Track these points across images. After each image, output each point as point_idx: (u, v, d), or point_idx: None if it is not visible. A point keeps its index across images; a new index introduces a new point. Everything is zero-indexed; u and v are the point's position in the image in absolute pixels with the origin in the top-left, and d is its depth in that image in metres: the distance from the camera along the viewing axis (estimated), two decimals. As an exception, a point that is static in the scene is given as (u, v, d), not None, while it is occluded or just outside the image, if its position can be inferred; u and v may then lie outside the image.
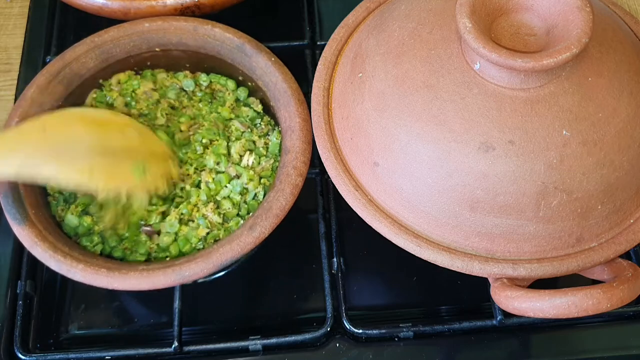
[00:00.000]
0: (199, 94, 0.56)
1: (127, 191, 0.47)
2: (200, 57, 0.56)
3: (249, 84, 0.56)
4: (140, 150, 0.49)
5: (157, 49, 0.56)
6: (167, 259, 0.49)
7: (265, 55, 0.54)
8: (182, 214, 0.50)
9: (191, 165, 0.52)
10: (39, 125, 0.46)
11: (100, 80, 0.56)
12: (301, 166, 0.49)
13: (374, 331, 0.50)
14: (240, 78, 0.56)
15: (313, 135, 0.50)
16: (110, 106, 0.55)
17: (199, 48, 0.55)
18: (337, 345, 0.50)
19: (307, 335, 0.50)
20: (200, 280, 0.46)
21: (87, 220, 0.50)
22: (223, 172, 0.52)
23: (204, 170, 0.52)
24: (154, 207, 0.50)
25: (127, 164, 0.47)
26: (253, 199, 0.51)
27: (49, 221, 0.49)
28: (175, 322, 0.50)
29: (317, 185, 0.55)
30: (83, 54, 0.54)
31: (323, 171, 0.51)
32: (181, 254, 0.49)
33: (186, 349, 0.49)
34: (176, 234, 0.50)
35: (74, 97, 0.54)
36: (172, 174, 0.51)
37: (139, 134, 0.50)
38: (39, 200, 0.49)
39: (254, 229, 0.47)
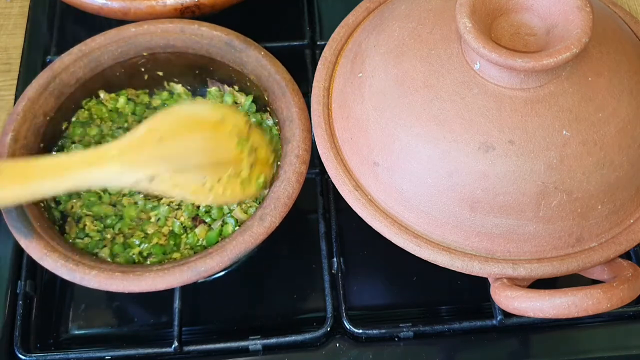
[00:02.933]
0: None
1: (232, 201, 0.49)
2: (189, 57, 0.56)
3: (242, 81, 0.56)
4: (242, 160, 0.49)
5: (145, 53, 0.56)
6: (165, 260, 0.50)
7: (254, 49, 0.54)
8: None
9: None
10: (154, 133, 0.46)
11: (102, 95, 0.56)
12: (304, 154, 0.49)
13: (374, 331, 0.50)
14: (233, 75, 0.56)
15: (313, 137, 0.50)
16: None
17: (188, 48, 0.55)
18: (337, 345, 0.50)
19: (307, 335, 0.50)
20: (200, 280, 0.46)
21: (96, 235, 0.51)
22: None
23: None
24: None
25: (233, 179, 0.48)
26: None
27: (54, 231, 0.49)
28: (175, 322, 0.50)
29: (317, 185, 0.55)
30: (71, 63, 0.54)
31: (323, 171, 0.51)
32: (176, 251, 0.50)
33: (186, 349, 0.49)
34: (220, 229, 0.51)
35: (65, 108, 0.54)
36: (268, 176, 0.50)
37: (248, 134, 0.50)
38: (42, 213, 0.49)
39: (264, 220, 0.47)
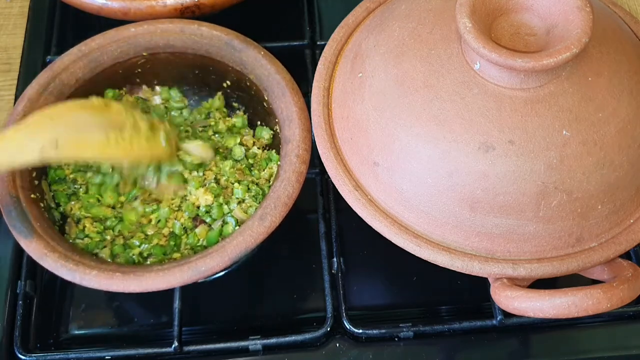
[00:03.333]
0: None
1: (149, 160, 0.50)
2: (189, 57, 0.56)
3: (242, 81, 0.56)
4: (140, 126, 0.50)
5: (144, 54, 0.56)
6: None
7: (254, 48, 0.54)
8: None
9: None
10: (45, 115, 0.47)
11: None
12: (304, 154, 0.49)
13: (374, 331, 0.50)
14: (232, 75, 0.56)
15: (313, 137, 0.50)
16: None
17: (187, 49, 0.55)
18: (337, 345, 0.50)
19: (307, 335, 0.50)
20: (200, 280, 0.46)
21: (96, 236, 0.51)
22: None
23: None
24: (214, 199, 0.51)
25: (136, 133, 0.49)
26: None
27: (54, 231, 0.49)
28: (175, 322, 0.50)
29: (317, 185, 0.55)
30: (71, 63, 0.54)
31: (323, 171, 0.51)
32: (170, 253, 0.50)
33: (186, 349, 0.49)
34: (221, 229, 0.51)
35: None
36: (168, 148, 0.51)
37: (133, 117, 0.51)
38: (42, 213, 0.49)
39: (264, 219, 0.47)
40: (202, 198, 0.51)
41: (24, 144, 0.45)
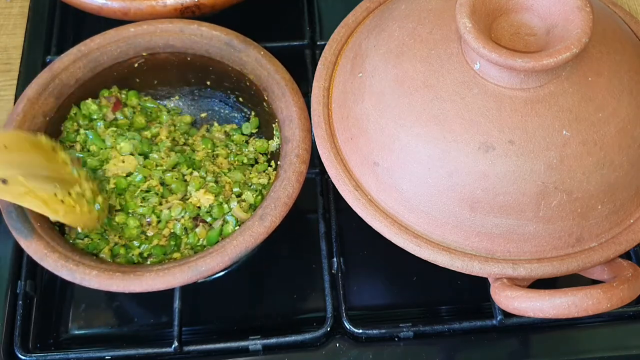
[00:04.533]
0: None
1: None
2: (188, 58, 0.56)
3: (242, 81, 0.56)
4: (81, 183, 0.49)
5: (144, 54, 0.56)
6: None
7: (254, 48, 0.54)
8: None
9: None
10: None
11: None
12: (303, 154, 0.49)
13: (374, 331, 0.50)
14: (232, 75, 0.56)
15: (313, 137, 0.50)
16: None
17: (187, 49, 0.55)
18: (337, 345, 0.50)
19: (307, 335, 0.50)
20: (200, 280, 0.46)
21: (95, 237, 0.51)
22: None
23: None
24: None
25: (80, 196, 0.48)
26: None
27: (55, 232, 0.49)
28: (175, 322, 0.50)
29: (317, 185, 0.55)
30: (71, 64, 0.54)
31: (323, 171, 0.51)
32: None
33: (186, 349, 0.49)
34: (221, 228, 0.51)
35: (65, 108, 0.54)
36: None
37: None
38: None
39: (264, 219, 0.47)
40: (203, 198, 0.51)
41: None
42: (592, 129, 0.42)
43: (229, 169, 0.53)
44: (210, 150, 0.54)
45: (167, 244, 0.50)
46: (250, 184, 0.52)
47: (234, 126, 0.57)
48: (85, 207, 0.48)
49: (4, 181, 0.44)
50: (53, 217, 0.47)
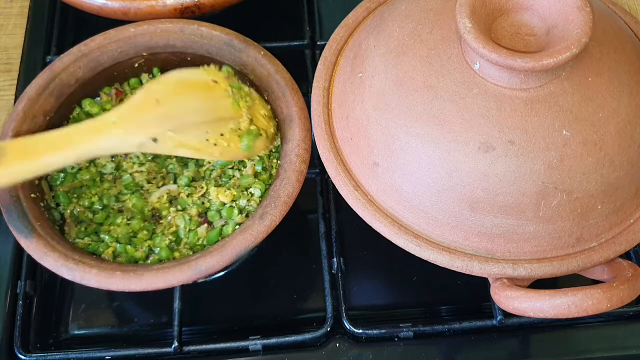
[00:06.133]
0: None
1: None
2: (188, 57, 0.56)
3: (242, 81, 0.56)
4: (241, 115, 0.50)
5: (144, 54, 0.55)
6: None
7: (254, 48, 0.54)
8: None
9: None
10: (150, 96, 0.47)
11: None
12: (303, 153, 0.49)
13: (374, 331, 0.50)
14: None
15: (313, 137, 0.50)
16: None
17: (187, 48, 0.55)
18: (337, 345, 0.50)
19: (307, 335, 0.50)
20: (200, 280, 0.46)
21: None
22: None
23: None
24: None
25: (234, 133, 0.49)
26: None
27: (54, 231, 0.49)
28: (175, 322, 0.50)
29: (317, 185, 0.55)
30: (71, 63, 0.54)
31: (323, 171, 0.51)
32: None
33: (186, 349, 0.49)
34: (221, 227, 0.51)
35: (65, 108, 0.54)
36: (269, 134, 0.52)
37: (240, 97, 0.51)
38: (42, 212, 0.49)
39: (264, 218, 0.47)
40: (222, 196, 0.51)
41: (124, 137, 0.46)
42: (592, 129, 0.42)
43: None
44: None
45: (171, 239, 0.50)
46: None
47: None
48: (239, 144, 0.49)
49: (155, 140, 0.46)
50: (212, 159, 0.50)
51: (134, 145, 0.46)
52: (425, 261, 0.45)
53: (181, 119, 0.48)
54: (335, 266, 0.52)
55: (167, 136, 0.47)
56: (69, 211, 0.51)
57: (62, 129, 0.48)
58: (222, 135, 0.49)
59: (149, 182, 0.52)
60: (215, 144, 0.48)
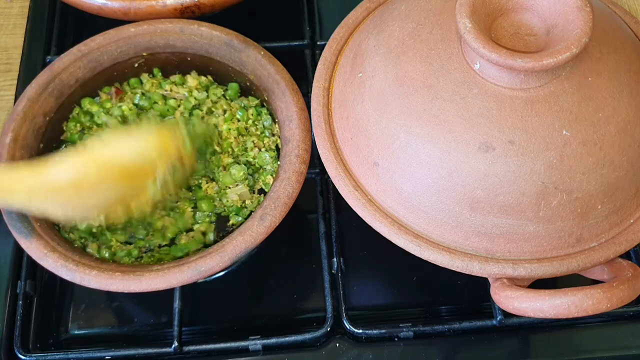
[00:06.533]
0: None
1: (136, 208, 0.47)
2: (188, 58, 0.56)
3: (242, 81, 0.56)
4: (159, 166, 0.46)
5: (144, 54, 0.56)
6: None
7: (254, 48, 0.54)
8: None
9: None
10: (75, 177, 0.43)
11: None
12: (303, 154, 0.49)
13: (374, 331, 0.50)
14: (232, 75, 0.56)
15: (313, 137, 0.50)
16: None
17: (187, 49, 0.55)
18: (337, 345, 0.50)
19: (307, 335, 0.50)
20: (200, 280, 0.46)
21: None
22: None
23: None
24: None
25: (143, 190, 0.46)
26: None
27: (54, 231, 0.49)
28: (175, 322, 0.50)
29: (317, 185, 0.55)
30: (71, 63, 0.54)
31: (323, 171, 0.51)
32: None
33: (186, 349, 0.49)
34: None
35: (65, 108, 0.54)
36: (188, 171, 0.49)
37: (160, 148, 0.47)
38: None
39: (264, 219, 0.47)
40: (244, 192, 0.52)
41: (28, 202, 0.43)
42: (592, 129, 0.42)
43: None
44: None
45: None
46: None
47: None
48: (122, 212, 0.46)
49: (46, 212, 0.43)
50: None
51: (22, 202, 0.43)
52: (425, 261, 0.45)
53: (85, 204, 0.44)
54: (335, 266, 0.52)
55: (62, 213, 0.44)
56: None
57: None
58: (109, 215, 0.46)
59: None
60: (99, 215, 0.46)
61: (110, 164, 0.45)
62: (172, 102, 0.55)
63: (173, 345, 0.49)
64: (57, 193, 0.43)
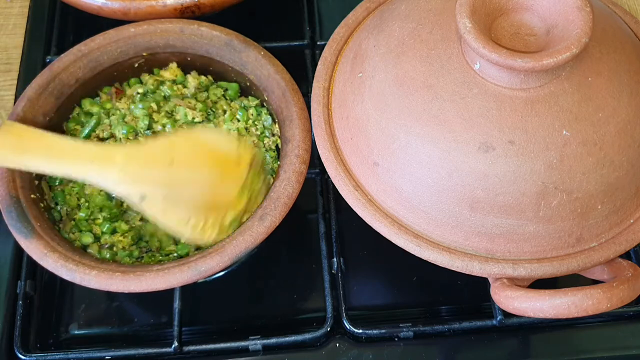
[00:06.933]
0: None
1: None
2: (188, 58, 0.56)
3: (242, 81, 0.56)
4: (236, 207, 0.48)
5: (144, 54, 0.55)
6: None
7: (254, 49, 0.54)
8: None
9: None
10: (167, 153, 0.45)
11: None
12: (303, 154, 0.49)
13: (374, 331, 0.50)
14: (232, 75, 0.56)
15: (313, 137, 0.50)
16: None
17: (187, 49, 0.55)
18: (337, 345, 0.50)
19: (307, 335, 0.50)
20: (200, 280, 0.46)
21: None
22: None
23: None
24: None
25: (215, 225, 0.47)
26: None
27: (54, 232, 0.49)
28: (175, 322, 0.50)
29: (317, 185, 0.55)
30: (71, 63, 0.54)
31: (323, 171, 0.51)
32: None
33: (186, 349, 0.49)
34: None
35: (65, 108, 0.54)
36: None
37: (244, 150, 0.49)
38: (42, 213, 0.49)
39: (264, 219, 0.47)
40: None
41: (117, 183, 0.44)
42: (592, 129, 0.42)
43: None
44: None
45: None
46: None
47: None
48: (216, 232, 0.47)
49: (143, 197, 0.44)
50: (177, 236, 0.48)
51: (122, 193, 0.45)
52: (425, 261, 0.45)
53: (181, 189, 0.45)
54: (335, 266, 0.52)
55: (156, 200, 0.45)
56: (65, 209, 0.51)
57: (70, 140, 0.47)
58: (203, 223, 0.46)
59: None
60: (192, 228, 0.46)
61: (202, 144, 0.47)
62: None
63: (173, 345, 0.49)
64: (153, 165, 0.45)
